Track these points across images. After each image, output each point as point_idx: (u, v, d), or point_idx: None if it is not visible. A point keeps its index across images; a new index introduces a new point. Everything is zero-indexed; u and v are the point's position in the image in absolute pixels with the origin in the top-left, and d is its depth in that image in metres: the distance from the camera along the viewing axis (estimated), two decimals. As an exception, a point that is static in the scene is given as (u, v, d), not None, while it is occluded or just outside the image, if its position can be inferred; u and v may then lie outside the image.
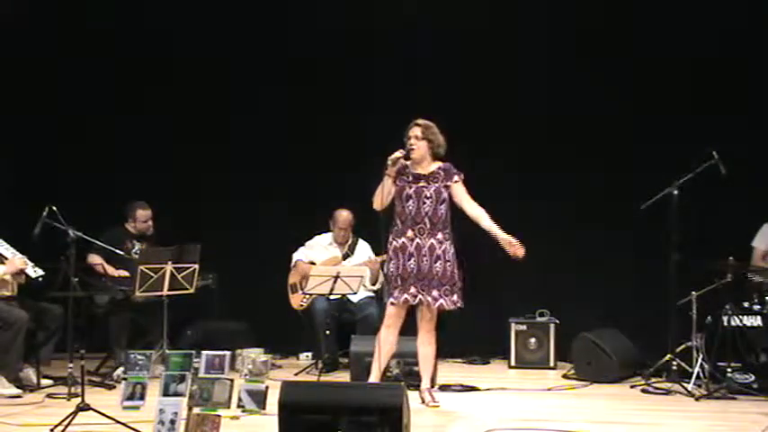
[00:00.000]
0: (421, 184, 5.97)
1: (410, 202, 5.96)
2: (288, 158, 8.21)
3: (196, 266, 6.83)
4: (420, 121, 6.04)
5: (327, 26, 8.16)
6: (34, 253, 6.55)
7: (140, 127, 8.25)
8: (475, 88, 8.02)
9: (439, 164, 6.04)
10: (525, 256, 7.78)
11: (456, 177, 6.00)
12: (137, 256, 7.11)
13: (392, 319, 6.01)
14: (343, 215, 7.65)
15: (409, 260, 5.94)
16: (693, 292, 6.71)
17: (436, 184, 5.96)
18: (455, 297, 5.98)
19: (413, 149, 5.96)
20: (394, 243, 6.00)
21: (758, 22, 7.55)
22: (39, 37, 8.17)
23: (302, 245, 7.87)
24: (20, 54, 8.10)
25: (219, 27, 8.28)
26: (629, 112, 7.83)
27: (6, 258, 6.52)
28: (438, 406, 5.98)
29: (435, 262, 5.93)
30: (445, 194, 5.98)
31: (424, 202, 5.95)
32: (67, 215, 6.11)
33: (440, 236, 5.96)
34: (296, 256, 7.82)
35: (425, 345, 6.07)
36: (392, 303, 5.98)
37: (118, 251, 7.15)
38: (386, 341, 6.02)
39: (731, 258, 6.57)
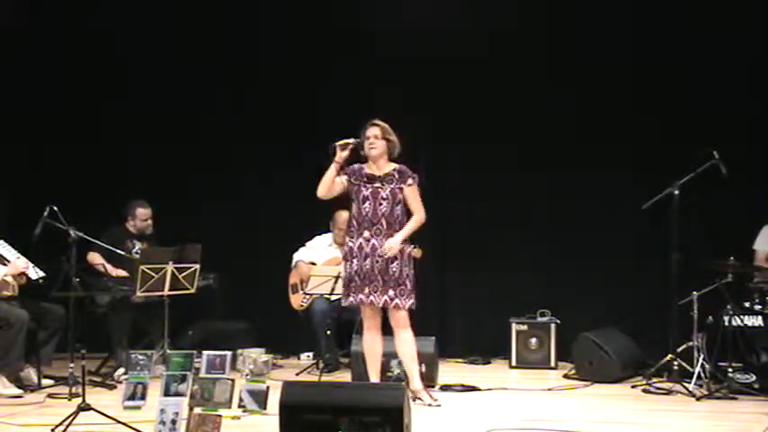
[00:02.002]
0: (377, 185, 6.01)
1: (367, 203, 6.01)
2: (288, 158, 8.20)
3: (197, 266, 6.83)
4: (378, 122, 6.09)
5: (327, 26, 8.16)
6: (35, 253, 6.55)
7: (140, 127, 8.24)
8: (474, 88, 8.02)
9: (394, 165, 6.09)
10: (525, 255, 7.87)
11: (410, 180, 6.05)
12: (137, 256, 7.10)
13: (369, 321, 6.09)
14: (344, 216, 7.60)
15: (365, 260, 5.98)
16: (694, 292, 6.71)
17: (392, 186, 6.01)
18: (411, 298, 6.02)
19: (373, 148, 6.01)
20: (350, 244, 6.04)
21: (759, 23, 7.55)
22: (39, 37, 8.17)
23: (303, 245, 7.87)
24: (20, 54, 8.10)
25: (219, 26, 8.28)
26: (629, 112, 7.83)
27: (8, 261, 6.52)
28: (439, 405, 5.98)
29: (392, 262, 5.97)
30: (401, 196, 6.03)
31: (381, 203, 6.00)
32: (68, 215, 6.12)
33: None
34: (296, 256, 7.82)
35: (403, 344, 6.09)
36: (346, 305, 6.14)
37: (119, 251, 7.16)
38: (371, 345, 6.12)
39: (732, 258, 6.56)
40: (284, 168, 8.19)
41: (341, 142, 5.99)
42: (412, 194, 6.04)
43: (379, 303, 5.98)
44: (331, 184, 6.01)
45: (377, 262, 5.96)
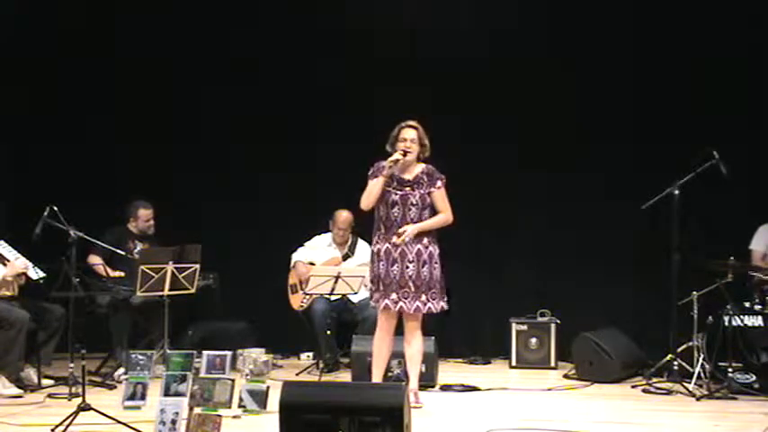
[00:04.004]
0: (407, 191, 5.96)
1: (396, 208, 5.95)
2: (288, 158, 8.20)
3: (197, 266, 6.84)
4: (415, 124, 6.03)
5: (328, 26, 8.16)
6: (35, 253, 6.55)
7: (140, 127, 8.25)
8: (473, 88, 8.01)
9: (422, 167, 6.04)
10: (526, 255, 7.87)
11: (439, 183, 6.01)
12: (138, 257, 7.11)
13: (385, 322, 6.03)
14: (343, 215, 7.64)
15: (392, 266, 5.93)
16: (694, 292, 6.71)
17: (421, 191, 5.97)
18: (443, 301, 6.01)
19: (408, 152, 5.95)
20: (378, 246, 6.00)
21: (758, 22, 7.55)
22: (39, 37, 8.17)
23: (301, 245, 7.86)
24: (20, 54, 8.10)
25: (216, 27, 8.28)
26: (630, 112, 7.83)
27: (8, 260, 6.51)
28: (420, 407, 5.92)
29: (423, 267, 5.93)
30: (429, 200, 5.98)
31: (410, 209, 5.95)
32: (68, 215, 6.12)
33: (425, 240, 5.96)
34: (295, 256, 7.81)
35: (412, 345, 6.07)
36: (374, 308, 6.09)
37: (119, 251, 7.16)
38: (381, 345, 6.07)
39: (731, 258, 6.57)
40: (284, 168, 8.19)
41: (392, 159, 5.89)
42: (440, 196, 5.99)
43: (410, 310, 5.92)
44: (377, 197, 5.95)
45: (407, 267, 5.91)
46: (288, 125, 8.24)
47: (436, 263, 5.98)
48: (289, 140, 8.21)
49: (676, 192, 6.72)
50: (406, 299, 5.91)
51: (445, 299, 6.03)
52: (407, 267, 5.91)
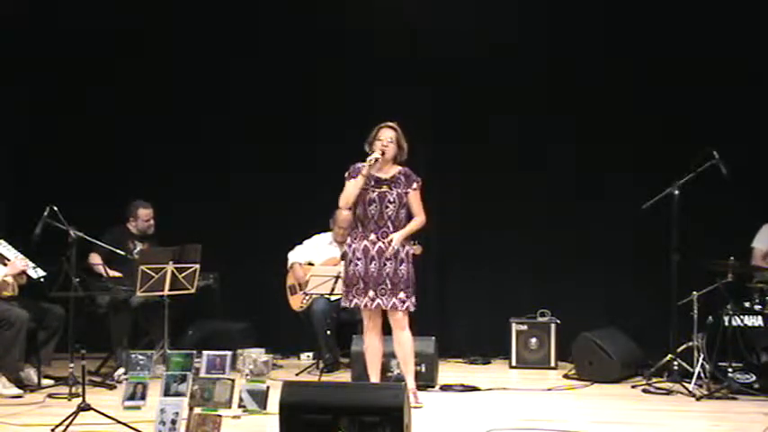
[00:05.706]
0: (383, 189, 6.02)
1: (373, 206, 6.00)
2: (288, 158, 8.20)
3: (197, 266, 6.84)
4: (394, 126, 6.10)
5: (328, 26, 8.16)
6: (35, 253, 6.54)
7: (140, 127, 8.24)
8: (473, 88, 8.02)
9: (399, 168, 6.10)
10: (526, 255, 7.87)
11: (415, 185, 6.07)
12: (138, 257, 7.11)
13: (370, 322, 6.07)
14: (344, 213, 7.63)
15: (370, 264, 5.97)
16: (694, 292, 6.71)
17: (398, 189, 6.03)
18: (414, 299, 6.04)
19: (385, 151, 6.01)
20: (354, 246, 6.03)
21: (758, 22, 7.55)
22: (39, 37, 8.17)
23: (300, 243, 7.85)
24: (20, 54, 8.10)
25: (216, 27, 8.27)
26: (629, 113, 7.83)
27: (8, 259, 6.52)
28: (421, 406, 5.93)
29: (400, 265, 5.99)
30: (406, 199, 6.04)
31: (387, 206, 6.00)
32: (68, 215, 6.12)
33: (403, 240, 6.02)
34: (291, 256, 7.80)
35: (401, 344, 6.10)
36: (347, 307, 6.12)
37: (119, 251, 7.16)
38: (372, 346, 6.11)
39: (731, 258, 6.57)
40: (284, 168, 8.19)
41: (370, 160, 5.96)
42: (415, 198, 6.07)
43: (387, 306, 5.97)
44: (355, 195, 5.99)
45: (384, 265, 5.96)
46: (288, 125, 8.24)
47: (411, 262, 6.05)
48: (289, 140, 8.21)
49: (676, 192, 6.72)
50: (383, 296, 5.96)
51: (414, 299, 6.06)
52: (385, 265, 5.96)
